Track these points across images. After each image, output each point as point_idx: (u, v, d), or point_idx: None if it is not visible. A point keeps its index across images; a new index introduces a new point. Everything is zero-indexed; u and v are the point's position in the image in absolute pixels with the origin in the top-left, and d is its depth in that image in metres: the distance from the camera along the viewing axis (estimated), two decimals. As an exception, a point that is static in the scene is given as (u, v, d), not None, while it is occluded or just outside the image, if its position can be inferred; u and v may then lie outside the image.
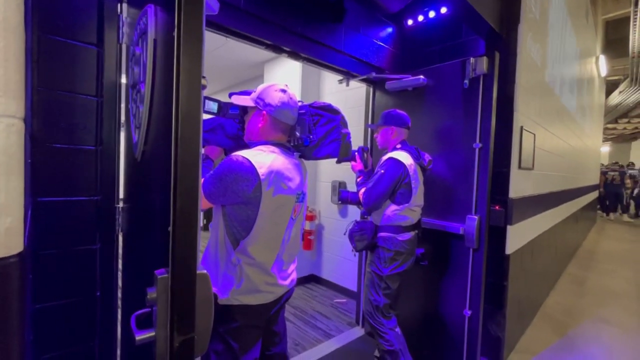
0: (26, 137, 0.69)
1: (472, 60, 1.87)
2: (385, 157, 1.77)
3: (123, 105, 1.18)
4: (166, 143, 0.61)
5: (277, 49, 1.81)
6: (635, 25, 5.54)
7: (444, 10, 2.19)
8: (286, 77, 3.57)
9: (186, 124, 0.57)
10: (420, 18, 2.33)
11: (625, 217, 9.51)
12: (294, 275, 1.26)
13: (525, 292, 2.60)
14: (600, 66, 6.66)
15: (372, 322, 1.78)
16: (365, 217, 1.93)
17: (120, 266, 1.21)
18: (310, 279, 3.63)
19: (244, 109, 1.20)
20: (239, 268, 1.05)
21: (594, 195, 7.84)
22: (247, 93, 1.19)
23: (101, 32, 1.12)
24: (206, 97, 1.08)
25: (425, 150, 1.94)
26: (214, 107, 1.11)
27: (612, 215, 9.72)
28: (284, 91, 1.15)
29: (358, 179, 1.89)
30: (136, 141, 0.90)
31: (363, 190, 1.78)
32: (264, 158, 1.05)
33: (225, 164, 1.02)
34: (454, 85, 1.98)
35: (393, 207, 1.76)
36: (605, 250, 5.75)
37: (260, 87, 1.17)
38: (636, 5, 5.02)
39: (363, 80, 2.36)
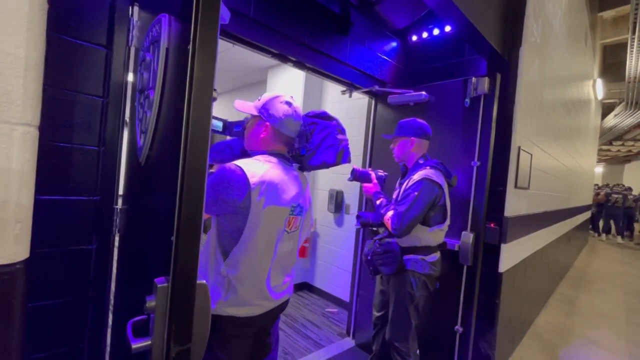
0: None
1: (473, 79, 1.91)
2: (417, 177, 1.62)
3: (128, 108, 1.19)
4: (173, 151, 0.62)
5: (282, 57, 1.83)
6: (632, 51, 5.67)
7: (448, 28, 2.24)
8: (289, 84, 3.60)
9: (195, 135, 0.58)
10: (425, 35, 2.38)
11: (619, 239, 9.58)
12: (288, 289, 1.23)
13: (516, 310, 2.61)
14: (597, 89, 6.79)
15: (399, 345, 1.67)
16: (383, 237, 1.78)
17: (114, 268, 1.20)
18: (303, 287, 3.62)
19: (247, 121, 1.21)
20: (227, 280, 1.03)
21: (586, 215, 7.92)
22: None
23: (111, 34, 1.13)
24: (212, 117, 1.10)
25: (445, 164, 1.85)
26: (219, 125, 1.12)
27: (604, 236, 9.80)
28: (289, 104, 1.15)
29: (378, 201, 1.73)
30: (141, 145, 0.90)
31: (391, 213, 1.63)
32: (257, 167, 1.04)
33: (218, 172, 1.02)
34: (455, 103, 2.01)
35: (424, 229, 1.65)
36: (596, 270, 5.80)
37: (265, 97, 1.17)
38: (634, 32, 5.16)
39: (366, 92, 2.39)
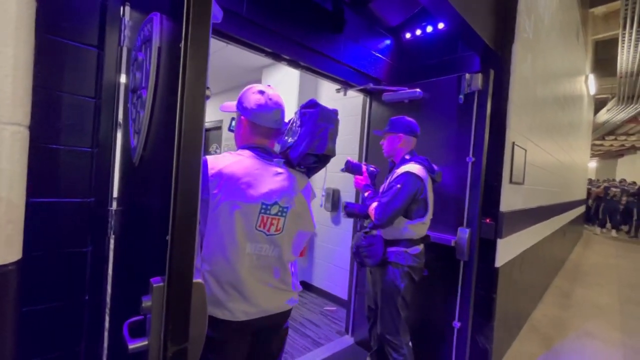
0: (23, 139, 0.69)
1: (467, 76, 1.92)
2: (400, 171, 1.70)
3: (121, 108, 1.18)
4: (167, 150, 0.62)
5: (276, 56, 1.83)
6: (623, 47, 5.73)
7: (441, 25, 2.25)
8: (284, 83, 3.60)
9: (189, 133, 0.58)
10: (418, 32, 2.38)
11: (613, 233, 9.70)
12: (285, 299, 1.13)
13: (513, 304, 2.63)
14: (590, 85, 6.85)
15: (390, 337, 1.72)
16: (369, 230, 1.85)
17: (110, 270, 1.20)
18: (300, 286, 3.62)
19: None
20: (202, 275, 0.97)
21: (581, 209, 8.00)
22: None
23: (102, 34, 1.12)
24: (233, 118, 1.10)
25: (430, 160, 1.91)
26: (232, 124, 1.12)
27: (598, 230, 9.91)
28: (262, 92, 1.08)
29: (366, 194, 1.82)
30: (134, 145, 0.90)
31: (375, 204, 1.69)
32: (220, 160, 1.00)
33: None
34: (449, 100, 2.02)
35: (406, 221, 1.72)
36: (591, 264, 5.86)
37: (241, 92, 1.13)
38: (624, 27, 5.21)
39: (360, 90, 2.39)
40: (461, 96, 1.95)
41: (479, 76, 1.87)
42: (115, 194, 1.18)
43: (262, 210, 1.03)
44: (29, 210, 0.97)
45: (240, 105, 1.11)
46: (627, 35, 5.36)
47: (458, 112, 1.99)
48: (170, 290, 0.57)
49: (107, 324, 1.18)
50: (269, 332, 1.17)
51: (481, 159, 1.88)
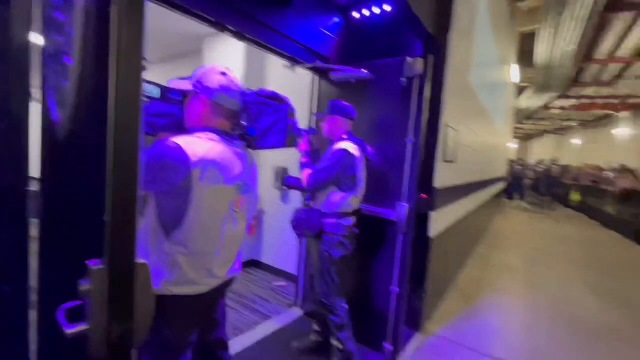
0: None
1: (409, 60, 2.02)
2: (337, 147, 1.85)
3: (38, 76, 1.03)
4: (100, 126, 0.57)
5: (221, 27, 1.72)
6: (541, 40, 6.44)
7: (388, 8, 2.30)
8: (228, 56, 3.41)
9: (125, 109, 0.54)
10: (366, 12, 2.41)
11: (525, 204, 11.35)
12: (236, 266, 1.24)
13: (442, 270, 2.97)
14: (514, 73, 7.63)
15: (326, 302, 1.91)
16: (308, 203, 2.01)
17: (35, 258, 1.08)
18: (250, 264, 3.64)
19: (186, 95, 1.14)
20: (172, 258, 1.02)
21: (502, 185, 9.13)
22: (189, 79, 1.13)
23: (6, -15, 0.94)
24: (146, 81, 1.00)
25: (365, 141, 2.06)
26: (155, 91, 1.03)
27: (514, 202, 11.55)
28: (224, 74, 1.10)
29: (302, 159, 1.94)
30: (58, 119, 0.80)
31: (308, 171, 1.84)
32: (198, 146, 1.00)
33: (153, 149, 0.96)
34: (394, 82, 2.11)
35: (340, 194, 1.87)
36: (507, 232, 6.80)
37: (198, 71, 1.12)
38: (542, 23, 5.83)
39: (309, 68, 2.38)
40: (404, 79, 2.05)
41: (420, 61, 1.98)
42: (37, 173, 1.05)
43: (236, 191, 1.13)
44: None
45: (200, 85, 1.08)
46: (541, 30, 6.02)
47: (401, 94, 2.10)
48: (112, 271, 0.55)
49: (37, 317, 1.08)
50: (219, 297, 1.27)
51: (419, 139, 2.03)
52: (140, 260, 0.61)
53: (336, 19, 2.45)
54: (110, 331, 0.57)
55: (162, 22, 3.28)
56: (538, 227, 7.71)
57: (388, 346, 2.11)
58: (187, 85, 1.10)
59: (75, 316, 0.61)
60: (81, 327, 0.57)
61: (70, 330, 0.57)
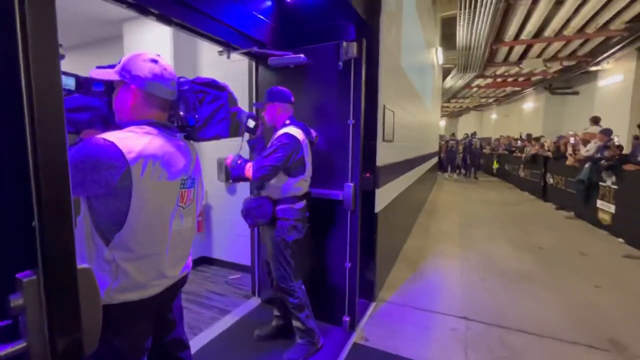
0: None
1: (344, 44, 2.07)
2: (280, 132, 1.84)
3: None
4: (15, 123, 0.51)
5: (142, 9, 1.57)
6: (460, 24, 7.04)
7: (319, -9, 2.30)
8: (154, 42, 3.12)
9: (44, 99, 0.49)
10: (298, -5, 2.39)
11: (455, 176, 12.60)
12: (187, 262, 1.20)
13: (389, 241, 3.20)
14: (438, 56, 8.26)
15: (283, 285, 1.94)
16: (257, 192, 1.99)
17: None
18: (201, 262, 3.50)
19: (111, 85, 1.03)
20: (115, 265, 0.94)
21: (435, 160, 9.97)
22: (113, 67, 1.02)
23: None
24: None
25: (308, 125, 2.08)
26: (70, 82, 0.91)
27: (446, 175, 12.73)
28: (154, 61, 1.02)
29: (239, 162, 1.84)
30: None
31: (251, 164, 1.79)
32: (134, 141, 0.93)
33: (82, 148, 0.87)
34: (331, 66, 2.16)
35: (289, 180, 1.89)
36: (441, 202, 7.51)
37: (124, 58, 1.02)
38: (461, 9, 6.37)
39: (245, 54, 2.30)
40: (340, 63, 2.11)
41: (354, 44, 2.05)
42: None
43: (181, 186, 1.07)
44: None
45: (129, 74, 0.99)
46: (461, 15, 6.59)
47: (339, 78, 2.16)
48: (48, 281, 0.50)
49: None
50: (174, 297, 1.22)
51: (360, 121, 2.12)
52: (82, 265, 0.56)
53: (269, 2, 2.39)
54: (55, 344, 0.52)
55: (69, 5, 2.86)
56: (466, 195, 8.65)
57: (346, 318, 2.24)
58: (112, 75, 1.00)
59: (9, 335, 0.55)
60: (17, 346, 0.52)
61: (3, 352, 0.51)
